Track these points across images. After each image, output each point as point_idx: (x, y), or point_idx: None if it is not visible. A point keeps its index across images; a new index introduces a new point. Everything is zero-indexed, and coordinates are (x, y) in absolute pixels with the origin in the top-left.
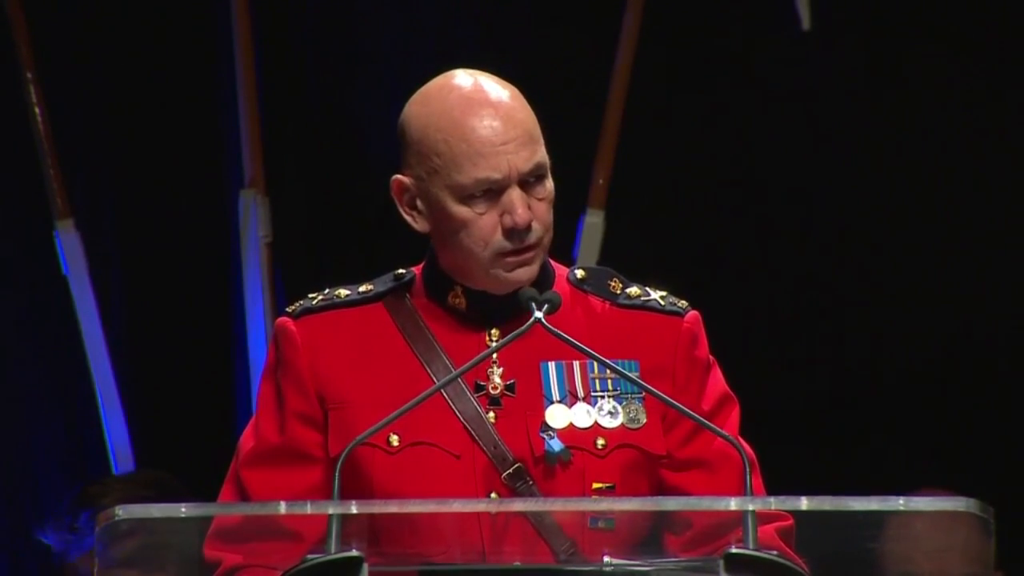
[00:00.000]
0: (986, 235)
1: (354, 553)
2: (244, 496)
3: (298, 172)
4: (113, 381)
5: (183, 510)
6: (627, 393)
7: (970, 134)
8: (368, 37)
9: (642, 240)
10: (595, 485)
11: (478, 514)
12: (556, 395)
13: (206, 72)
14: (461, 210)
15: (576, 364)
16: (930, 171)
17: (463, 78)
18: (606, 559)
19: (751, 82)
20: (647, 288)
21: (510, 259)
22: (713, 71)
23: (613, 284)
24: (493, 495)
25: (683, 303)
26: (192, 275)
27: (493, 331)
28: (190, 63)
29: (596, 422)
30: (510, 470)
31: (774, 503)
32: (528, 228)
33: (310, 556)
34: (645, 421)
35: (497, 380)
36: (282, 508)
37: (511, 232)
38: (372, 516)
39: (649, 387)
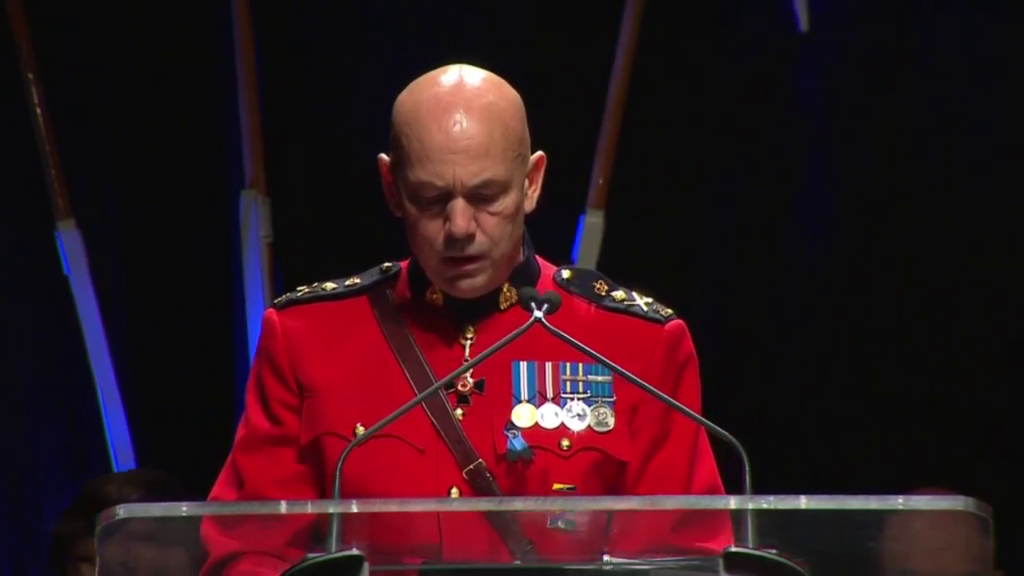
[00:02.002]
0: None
1: (354, 552)
2: (239, 480)
3: (299, 172)
4: (114, 380)
5: (184, 509)
6: (597, 396)
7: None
8: (369, 37)
9: (642, 240)
10: (556, 486)
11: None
12: (525, 395)
13: (207, 72)
14: (412, 208)
15: (548, 365)
16: (926, 173)
17: (450, 76)
18: (606, 558)
19: (751, 82)
20: (633, 293)
21: (450, 271)
22: (713, 71)
23: (599, 286)
24: (454, 491)
25: (667, 311)
26: (193, 275)
27: (469, 329)
28: (191, 63)
29: (563, 423)
30: (471, 466)
31: (774, 502)
32: (468, 239)
33: (310, 556)
34: (613, 425)
35: (467, 378)
36: (282, 508)
37: (449, 240)
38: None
39: (651, 388)
